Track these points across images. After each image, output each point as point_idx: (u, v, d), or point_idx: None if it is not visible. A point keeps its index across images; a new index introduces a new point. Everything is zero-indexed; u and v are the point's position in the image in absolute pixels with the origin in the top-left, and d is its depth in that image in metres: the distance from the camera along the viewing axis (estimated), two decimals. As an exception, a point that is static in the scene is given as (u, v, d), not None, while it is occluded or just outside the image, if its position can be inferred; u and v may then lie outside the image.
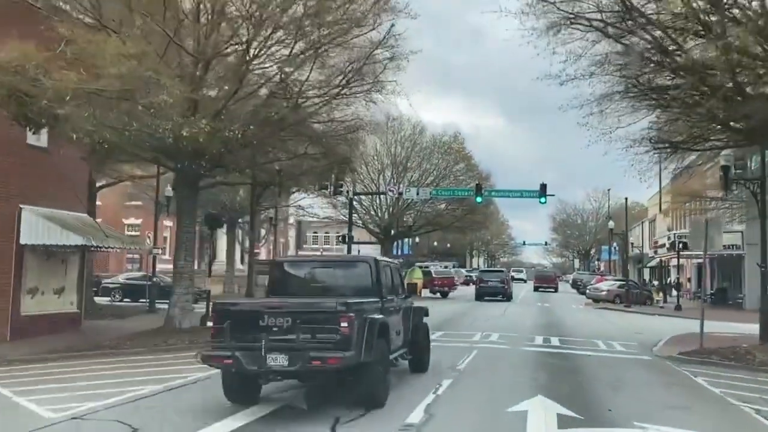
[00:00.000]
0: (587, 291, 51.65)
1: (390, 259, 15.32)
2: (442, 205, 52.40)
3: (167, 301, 21.57)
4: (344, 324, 9.26)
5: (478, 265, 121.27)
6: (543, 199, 42.44)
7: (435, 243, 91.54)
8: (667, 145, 20.08)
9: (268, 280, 12.81)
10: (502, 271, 55.47)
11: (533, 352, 18.69)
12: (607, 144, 19.36)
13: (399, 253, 78.22)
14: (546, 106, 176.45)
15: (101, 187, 30.44)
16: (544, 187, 42.41)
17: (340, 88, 20.08)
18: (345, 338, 9.27)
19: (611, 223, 52.81)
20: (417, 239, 78.74)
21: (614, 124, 18.91)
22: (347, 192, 44.65)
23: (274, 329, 9.41)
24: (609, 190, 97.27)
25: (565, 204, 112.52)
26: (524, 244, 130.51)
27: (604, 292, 48.73)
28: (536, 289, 67.90)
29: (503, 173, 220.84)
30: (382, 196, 49.63)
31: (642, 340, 22.80)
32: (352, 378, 9.76)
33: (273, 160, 21.10)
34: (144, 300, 32.55)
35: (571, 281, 79.69)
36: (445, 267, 70.78)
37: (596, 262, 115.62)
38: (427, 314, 14.68)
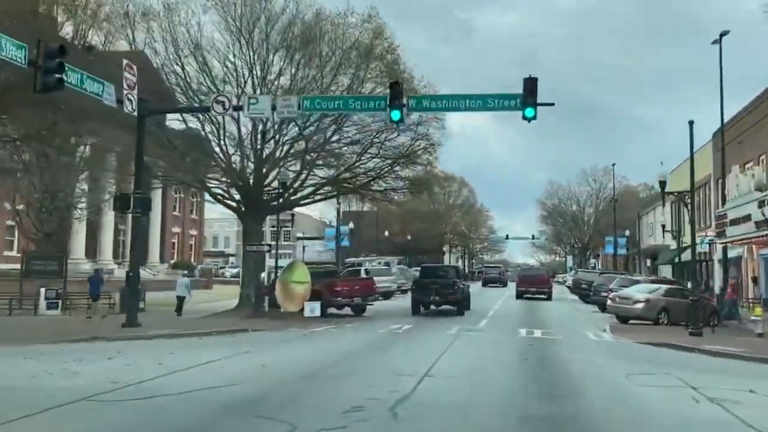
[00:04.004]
0: (609, 302, 29.26)
1: (458, 265, 62.12)
2: (346, 148, 28.50)
3: None
4: (455, 287, 30.15)
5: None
6: (530, 111, 20.02)
7: (387, 233, 68.40)
8: None
9: (420, 271, 36.50)
10: (499, 267, 75.30)
11: None
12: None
13: (338, 246, 55.12)
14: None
15: None
16: (531, 84, 19.85)
17: None
18: (455, 291, 29.94)
19: (664, 175, 27.45)
20: (351, 225, 55.48)
21: None
22: (128, 105, 21.61)
23: (435, 288, 29.88)
24: (614, 164, 75.77)
25: (558, 186, 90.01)
26: (507, 238, 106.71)
27: (639, 304, 26.94)
28: (520, 295, 44.60)
29: (491, 172, 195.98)
30: (237, 130, 26.59)
31: None
32: (455, 306, 29.96)
33: None
34: None
35: (570, 283, 56.15)
36: (386, 265, 48.11)
37: (593, 260, 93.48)
38: (468, 288, 35.43)
